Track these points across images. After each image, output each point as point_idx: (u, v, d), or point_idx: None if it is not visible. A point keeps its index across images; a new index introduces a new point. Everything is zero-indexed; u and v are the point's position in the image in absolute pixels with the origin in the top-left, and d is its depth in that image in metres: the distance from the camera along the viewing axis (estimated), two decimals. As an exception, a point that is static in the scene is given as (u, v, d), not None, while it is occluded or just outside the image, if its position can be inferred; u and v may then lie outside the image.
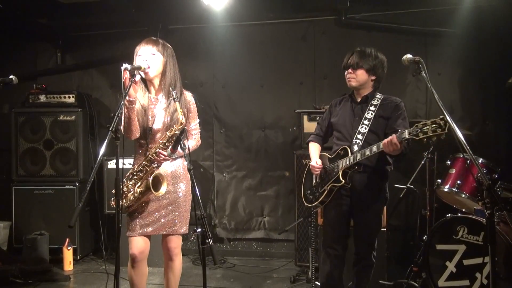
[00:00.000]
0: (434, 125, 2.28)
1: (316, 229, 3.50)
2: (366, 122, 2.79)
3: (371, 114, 2.80)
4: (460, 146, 2.13)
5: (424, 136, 2.31)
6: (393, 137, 2.45)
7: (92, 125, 4.80)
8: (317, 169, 2.91)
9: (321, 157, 2.98)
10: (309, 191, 3.05)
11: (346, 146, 2.78)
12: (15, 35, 5.05)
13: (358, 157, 2.66)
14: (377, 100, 2.83)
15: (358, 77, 2.80)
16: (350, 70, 2.82)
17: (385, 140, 2.49)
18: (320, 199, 2.88)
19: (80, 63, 5.12)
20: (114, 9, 4.53)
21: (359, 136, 2.77)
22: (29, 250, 4.24)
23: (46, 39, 5.11)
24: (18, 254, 4.37)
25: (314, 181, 3.01)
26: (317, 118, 3.95)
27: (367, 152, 2.62)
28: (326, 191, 2.83)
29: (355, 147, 2.75)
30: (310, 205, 3.03)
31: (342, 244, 2.88)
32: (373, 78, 2.83)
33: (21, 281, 3.87)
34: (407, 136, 2.39)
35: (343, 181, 2.73)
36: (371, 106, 2.82)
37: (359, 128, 2.79)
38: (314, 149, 3.05)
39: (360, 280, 2.91)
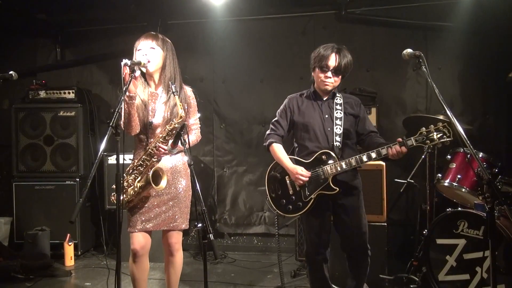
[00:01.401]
0: (439, 133, 2.38)
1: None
2: (338, 122, 2.71)
3: (340, 113, 2.73)
4: (460, 140, 2.13)
5: (431, 143, 2.42)
6: (402, 148, 2.47)
7: (92, 121, 4.80)
8: (305, 179, 2.67)
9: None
10: (284, 200, 2.79)
11: (329, 151, 2.66)
12: (14, 31, 5.04)
13: (353, 163, 2.59)
14: (340, 99, 2.78)
15: (335, 83, 2.73)
16: (330, 75, 2.67)
17: (394, 151, 2.49)
18: (305, 208, 2.70)
19: (80, 58, 5.11)
20: (113, 4, 4.51)
21: (337, 138, 2.69)
22: (30, 246, 4.26)
23: (46, 35, 5.10)
24: (19, 249, 4.39)
25: (291, 189, 2.77)
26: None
27: (365, 159, 2.57)
28: (313, 199, 2.68)
29: (338, 151, 2.67)
30: (289, 215, 2.80)
31: (327, 246, 2.83)
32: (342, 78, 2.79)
33: (22, 277, 3.88)
34: (414, 144, 2.45)
35: (337, 189, 2.63)
36: (336, 105, 2.75)
37: (334, 129, 2.70)
38: (283, 152, 2.79)
39: (359, 280, 2.86)
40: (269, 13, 4.68)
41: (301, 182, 2.68)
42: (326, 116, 2.75)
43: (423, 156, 3.73)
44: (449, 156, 3.60)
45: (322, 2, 4.57)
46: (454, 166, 3.50)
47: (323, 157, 2.68)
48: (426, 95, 4.42)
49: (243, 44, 4.71)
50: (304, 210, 2.71)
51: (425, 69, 2.28)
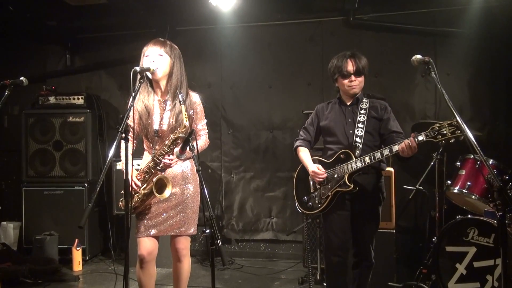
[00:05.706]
0: (451, 127, 2.33)
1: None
2: (360, 125, 2.79)
3: (363, 117, 2.81)
4: (470, 147, 2.11)
5: (443, 138, 2.36)
6: (411, 141, 2.45)
7: (101, 126, 4.83)
8: (321, 176, 2.80)
9: (313, 161, 2.91)
10: (306, 198, 2.95)
11: (348, 150, 2.75)
12: (25, 38, 5.10)
13: (367, 160, 2.64)
14: (365, 104, 2.85)
15: (360, 84, 2.84)
16: (353, 78, 2.79)
17: (403, 145, 2.48)
18: (323, 206, 2.81)
19: (89, 64, 5.16)
20: (122, 11, 4.56)
21: (358, 140, 2.76)
22: (38, 251, 4.28)
23: (56, 41, 5.16)
24: (28, 254, 4.40)
25: (312, 188, 2.92)
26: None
27: (378, 155, 2.60)
28: (330, 197, 2.78)
29: (357, 151, 2.73)
30: (309, 212, 2.94)
31: (346, 249, 2.85)
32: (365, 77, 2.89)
33: (31, 281, 3.89)
34: (424, 139, 2.43)
35: (351, 185, 2.70)
36: (361, 110, 2.82)
37: (356, 131, 2.78)
38: (307, 154, 2.96)
39: (361, 282, 2.88)
40: (277, 19, 4.70)
41: (318, 179, 2.82)
42: (349, 120, 2.85)
43: (432, 163, 3.71)
44: (458, 163, 3.57)
45: (330, 8, 4.58)
46: (464, 172, 3.47)
47: (341, 156, 2.79)
48: (435, 101, 4.40)
49: (251, 50, 4.73)
50: (322, 207, 2.82)
51: (434, 75, 2.26)
